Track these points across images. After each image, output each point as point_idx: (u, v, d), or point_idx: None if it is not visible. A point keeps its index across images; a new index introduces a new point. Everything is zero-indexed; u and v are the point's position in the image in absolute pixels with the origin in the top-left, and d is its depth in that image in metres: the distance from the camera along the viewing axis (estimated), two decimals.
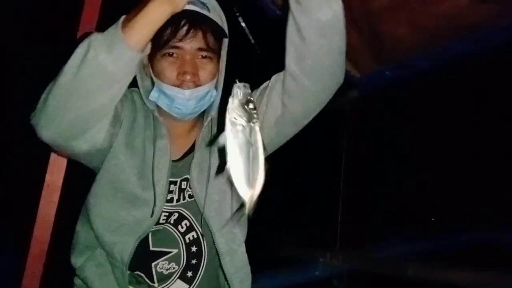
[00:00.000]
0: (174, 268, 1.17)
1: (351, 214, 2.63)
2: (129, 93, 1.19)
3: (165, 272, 1.15)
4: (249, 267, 1.22)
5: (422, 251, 2.43)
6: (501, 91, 2.10)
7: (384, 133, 2.55)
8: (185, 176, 1.20)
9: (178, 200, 1.20)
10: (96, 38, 0.94)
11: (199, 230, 1.19)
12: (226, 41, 1.19)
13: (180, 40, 1.08)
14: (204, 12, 1.11)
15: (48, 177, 1.37)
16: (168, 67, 1.10)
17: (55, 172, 1.37)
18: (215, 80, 1.17)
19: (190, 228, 1.19)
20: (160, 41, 1.08)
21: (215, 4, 1.19)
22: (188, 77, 1.09)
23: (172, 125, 1.19)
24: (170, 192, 1.18)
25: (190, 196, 1.20)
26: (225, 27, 1.18)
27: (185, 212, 1.19)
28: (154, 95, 1.14)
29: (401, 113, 2.46)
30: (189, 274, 1.18)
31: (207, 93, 1.15)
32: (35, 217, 1.35)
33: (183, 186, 1.20)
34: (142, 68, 1.17)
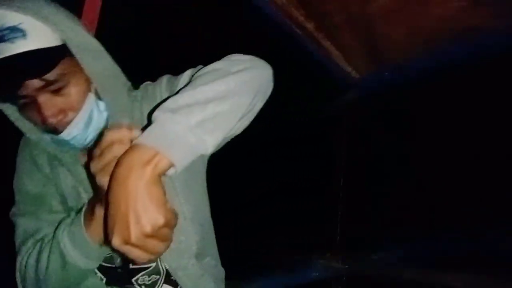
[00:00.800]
0: (155, 277, 1.14)
1: (350, 216, 2.63)
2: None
3: (147, 283, 1.13)
4: (208, 274, 1.15)
5: (422, 254, 2.43)
6: (499, 94, 2.11)
7: (383, 135, 2.55)
8: None
9: None
10: (67, 248, 0.92)
11: None
12: (76, 40, 0.90)
13: (15, 92, 0.86)
14: (16, 45, 0.83)
15: None
16: (30, 117, 0.92)
17: None
18: (92, 94, 0.95)
19: None
20: (3, 99, 0.92)
21: (39, 10, 0.86)
22: (50, 121, 0.89)
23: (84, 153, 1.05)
24: None
25: None
26: (58, 35, 0.88)
27: None
28: (46, 141, 1.00)
29: (399, 115, 2.47)
30: (173, 278, 1.14)
31: (89, 116, 0.95)
32: None
33: None
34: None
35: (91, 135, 0.97)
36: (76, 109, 0.92)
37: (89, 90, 0.94)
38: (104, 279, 1.09)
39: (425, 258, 2.33)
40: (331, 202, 2.64)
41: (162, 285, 1.12)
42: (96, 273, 1.08)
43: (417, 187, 2.34)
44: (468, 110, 2.16)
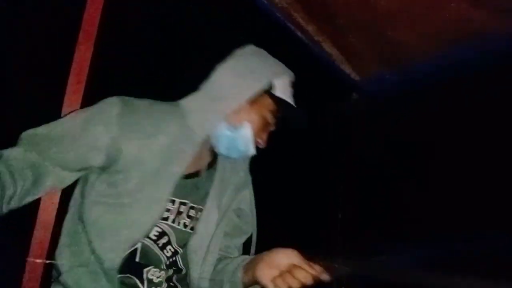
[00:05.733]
0: (163, 277, 1.17)
1: (351, 218, 2.63)
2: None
3: (155, 280, 1.15)
4: None
5: (423, 256, 2.42)
6: (503, 97, 2.10)
7: (384, 137, 2.55)
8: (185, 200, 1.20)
9: (173, 222, 1.19)
10: None
11: (180, 263, 1.22)
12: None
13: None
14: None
15: None
16: (263, 130, 1.27)
17: None
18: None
19: (173, 255, 1.21)
20: None
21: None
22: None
23: None
24: (167, 210, 1.17)
25: (185, 225, 1.20)
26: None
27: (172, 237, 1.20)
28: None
29: (402, 117, 2.46)
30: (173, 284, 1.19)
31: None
32: (35, 219, 1.35)
33: (181, 210, 1.20)
34: None
35: None
36: None
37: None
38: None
39: (426, 260, 2.32)
40: (332, 204, 2.64)
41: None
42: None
43: (419, 191, 2.34)
44: (473, 113, 2.16)
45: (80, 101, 1.29)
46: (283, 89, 1.21)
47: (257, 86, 1.16)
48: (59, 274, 1.15)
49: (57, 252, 1.18)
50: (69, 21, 1.30)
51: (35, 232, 1.35)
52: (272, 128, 1.23)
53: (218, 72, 1.19)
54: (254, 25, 1.99)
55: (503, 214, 1.98)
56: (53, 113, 1.18)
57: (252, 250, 1.33)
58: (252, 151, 1.20)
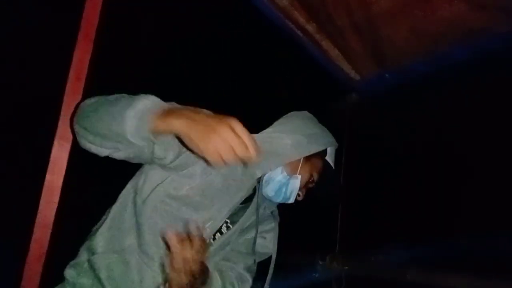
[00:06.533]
0: None
1: (350, 217, 2.63)
2: None
3: None
4: None
5: (422, 256, 2.43)
6: (500, 96, 2.10)
7: (383, 137, 2.55)
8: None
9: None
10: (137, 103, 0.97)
11: None
12: None
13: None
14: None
15: (48, 177, 1.36)
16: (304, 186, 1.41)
17: (55, 172, 1.36)
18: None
19: None
20: None
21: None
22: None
23: None
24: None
25: (214, 238, 1.26)
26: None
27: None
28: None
29: (401, 117, 2.46)
30: None
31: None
32: (34, 218, 1.34)
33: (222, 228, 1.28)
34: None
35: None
36: None
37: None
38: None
39: (423, 260, 2.33)
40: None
41: None
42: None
43: (416, 190, 2.34)
44: (469, 112, 2.16)
45: (80, 98, 1.29)
46: (331, 156, 1.42)
47: (318, 148, 1.36)
48: (91, 254, 1.15)
49: (97, 233, 1.18)
50: (68, 19, 1.30)
51: (34, 231, 1.34)
52: (311, 186, 1.38)
53: (279, 126, 1.37)
54: (254, 24, 2.00)
55: (504, 214, 1.98)
56: (53, 110, 1.18)
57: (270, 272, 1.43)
58: (292, 200, 1.34)
